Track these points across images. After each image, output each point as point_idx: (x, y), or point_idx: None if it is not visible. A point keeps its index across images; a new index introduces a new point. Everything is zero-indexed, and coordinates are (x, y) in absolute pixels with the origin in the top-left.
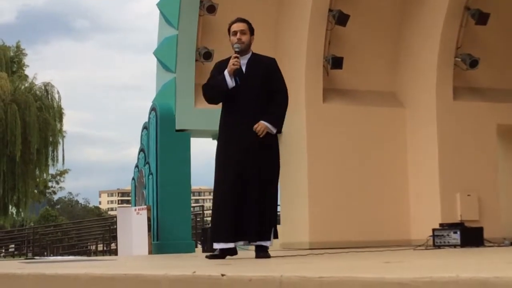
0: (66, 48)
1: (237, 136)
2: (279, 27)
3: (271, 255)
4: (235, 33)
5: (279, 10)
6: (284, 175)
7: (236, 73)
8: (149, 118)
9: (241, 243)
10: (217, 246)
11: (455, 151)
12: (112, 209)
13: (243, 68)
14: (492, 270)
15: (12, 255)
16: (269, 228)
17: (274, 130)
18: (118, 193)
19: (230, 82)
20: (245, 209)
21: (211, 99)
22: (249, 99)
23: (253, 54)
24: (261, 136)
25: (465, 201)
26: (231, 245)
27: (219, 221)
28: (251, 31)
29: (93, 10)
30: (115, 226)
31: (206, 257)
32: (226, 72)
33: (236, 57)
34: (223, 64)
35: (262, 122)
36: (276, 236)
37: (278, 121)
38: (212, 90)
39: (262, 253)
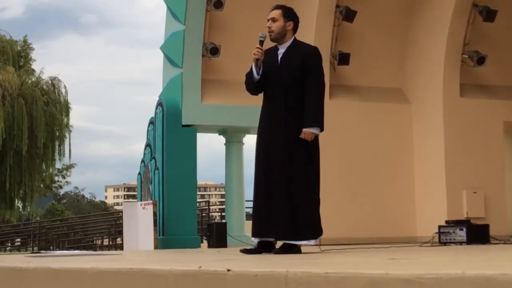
0: (73, 43)
1: (268, 129)
2: None
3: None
4: (268, 21)
5: None
6: None
7: (260, 64)
8: (155, 113)
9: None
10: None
11: (462, 148)
12: (118, 204)
13: (279, 58)
14: (498, 267)
15: (18, 249)
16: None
17: (318, 131)
18: (124, 188)
19: (255, 74)
20: (273, 206)
21: (249, 91)
22: (280, 91)
23: (294, 42)
24: (311, 140)
25: (471, 198)
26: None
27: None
28: (287, 16)
29: (100, 5)
30: (121, 221)
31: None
32: (253, 63)
33: (257, 47)
34: (266, 53)
35: (304, 130)
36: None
37: (315, 121)
38: (246, 83)
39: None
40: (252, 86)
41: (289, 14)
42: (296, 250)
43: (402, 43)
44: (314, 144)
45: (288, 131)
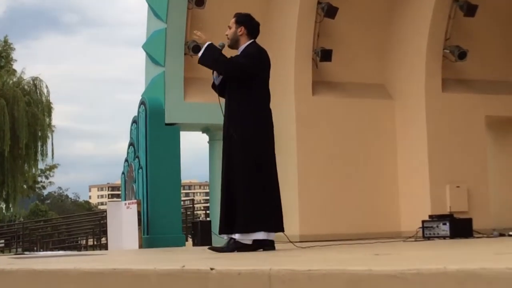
0: (55, 42)
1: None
2: (268, 20)
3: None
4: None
5: (268, 3)
6: None
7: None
8: (138, 112)
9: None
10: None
11: (444, 142)
12: (102, 204)
13: None
14: (480, 262)
15: (1, 251)
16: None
17: (200, 53)
18: (108, 188)
19: (214, 79)
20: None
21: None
22: (226, 93)
23: (247, 46)
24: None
25: (454, 192)
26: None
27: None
28: (239, 22)
29: (81, 4)
30: (105, 221)
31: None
32: None
33: None
34: None
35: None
36: (250, 229)
37: (208, 56)
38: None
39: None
40: (215, 90)
41: (241, 20)
42: (252, 247)
43: (384, 39)
44: (250, 139)
45: (228, 132)
